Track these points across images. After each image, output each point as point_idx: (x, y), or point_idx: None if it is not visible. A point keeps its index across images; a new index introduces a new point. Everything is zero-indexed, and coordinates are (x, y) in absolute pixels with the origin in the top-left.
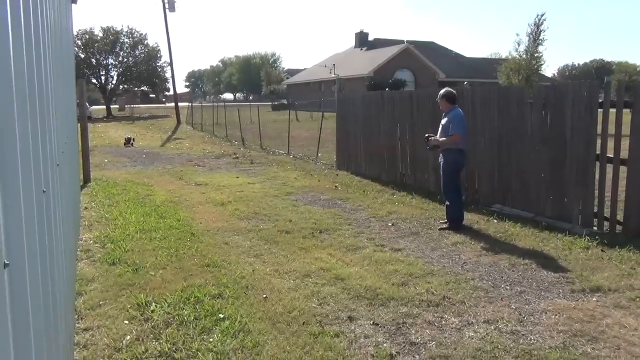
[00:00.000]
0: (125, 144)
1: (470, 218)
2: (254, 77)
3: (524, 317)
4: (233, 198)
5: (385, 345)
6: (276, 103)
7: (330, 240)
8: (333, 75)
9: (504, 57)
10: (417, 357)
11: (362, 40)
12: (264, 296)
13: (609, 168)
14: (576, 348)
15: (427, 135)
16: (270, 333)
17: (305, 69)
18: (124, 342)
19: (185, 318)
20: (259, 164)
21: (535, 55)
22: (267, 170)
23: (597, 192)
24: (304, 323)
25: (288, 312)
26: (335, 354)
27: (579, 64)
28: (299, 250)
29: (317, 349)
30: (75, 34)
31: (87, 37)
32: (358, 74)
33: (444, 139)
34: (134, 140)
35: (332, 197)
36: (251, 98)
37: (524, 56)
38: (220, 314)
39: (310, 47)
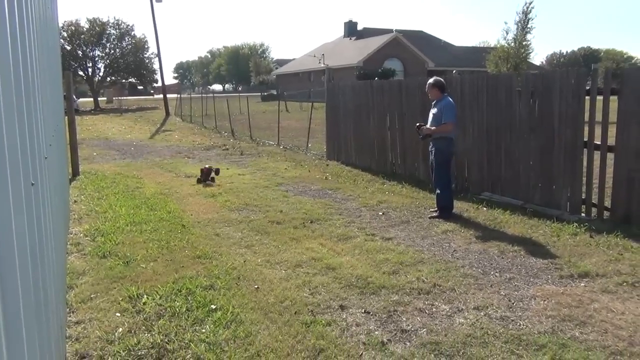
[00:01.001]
0: (200, 180)
1: (459, 206)
2: (242, 67)
3: (513, 303)
4: (223, 189)
5: (376, 332)
6: (265, 93)
7: (321, 230)
8: (322, 65)
9: (492, 45)
10: (408, 343)
11: (351, 30)
12: (256, 286)
13: (596, 155)
14: (564, 332)
15: (418, 124)
16: (262, 323)
17: (294, 59)
18: (116, 334)
19: (177, 309)
20: (248, 155)
21: (524, 43)
22: (257, 161)
23: (584, 179)
24: (295, 312)
25: (279, 301)
26: (327, 342)
27: (566, 52)
28: (289, 240)
29: (309, 338)
30: (60, 25)
31: (73, 28)
32: (347, 64)
33: (434, 127)
34: (215, 173)
35: (322, 187)
36: (240, 89)
37: (512, 44)
38: (212, 304)
39: (299, 36)
